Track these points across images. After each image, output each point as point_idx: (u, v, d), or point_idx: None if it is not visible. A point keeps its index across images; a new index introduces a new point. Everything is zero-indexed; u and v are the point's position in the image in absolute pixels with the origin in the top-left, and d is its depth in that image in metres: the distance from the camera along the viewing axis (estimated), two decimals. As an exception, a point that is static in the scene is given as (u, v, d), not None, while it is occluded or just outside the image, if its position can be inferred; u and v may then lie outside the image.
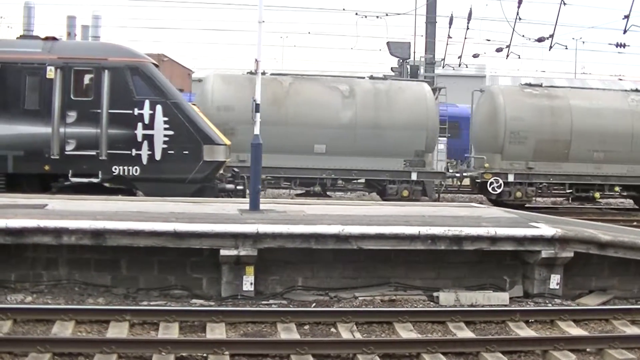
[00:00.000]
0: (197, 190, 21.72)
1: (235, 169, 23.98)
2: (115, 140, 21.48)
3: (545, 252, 15.65)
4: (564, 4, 31.90)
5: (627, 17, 31.16)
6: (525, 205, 31.42)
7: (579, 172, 31.96)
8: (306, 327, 13.40)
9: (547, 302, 15.70)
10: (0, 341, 11.88)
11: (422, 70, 40.06)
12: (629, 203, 36.27)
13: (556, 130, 31.76)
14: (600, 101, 32.75)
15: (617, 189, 32.34)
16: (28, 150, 21.39)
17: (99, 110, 21.48)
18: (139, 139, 21.48)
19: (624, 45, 36.30)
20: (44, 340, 11.85)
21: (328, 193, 32.07)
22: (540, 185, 32.14)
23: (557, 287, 15.95)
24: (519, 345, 12.63)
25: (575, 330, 13.67)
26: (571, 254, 15.81)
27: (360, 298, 15.33)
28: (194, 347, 11.97)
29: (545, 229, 15.90)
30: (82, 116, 21.48)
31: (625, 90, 34.58)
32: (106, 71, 21.57)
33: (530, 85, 33.74)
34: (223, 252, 14.79)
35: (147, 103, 21.53)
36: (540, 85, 33.60)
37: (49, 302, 14.46)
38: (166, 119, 21.55)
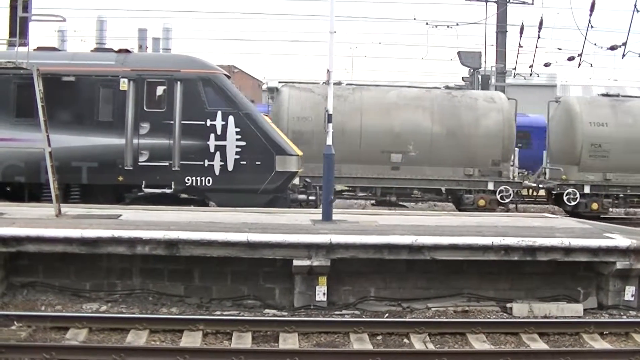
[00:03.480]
0: (270, 201, 21.76)
1: (307, 180, 23.98)
2: (187, 151, 21.62)
3: (620, 264, 15.43)
4: (637, 10, 31.31)
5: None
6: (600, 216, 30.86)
7: None
8: (379, 337, 13.38)
9: (621, 314, 15.49)
10: (76, 349, 12.08)
11: (493, 80, 39.82)
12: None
13: None
14: None
15: None
16: (102, 161, 21.59)
17: (171, 122, 21.64)
18: (212, 149, 21.59)
19: (700, 52, 35.61)
20: (118, 349, 12.01)
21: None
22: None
23: (632, 298, 15.73)
24: (594, 358, 12.48)
25: (651, 343, 13.48)
26: (646, 265, 15.59)
27: (433, 309, 15.26)
28: (267, 357, 12.06)
29: (620, 240, 15.69)
30: (155, 127, 21.66)
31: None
32: (178, 83, 21.74)
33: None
34: (296, 262, 14.83)
35: (219, 114, 21.64)
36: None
37: (123, 311, 14.65)
38: (238, 129, 21.61)
